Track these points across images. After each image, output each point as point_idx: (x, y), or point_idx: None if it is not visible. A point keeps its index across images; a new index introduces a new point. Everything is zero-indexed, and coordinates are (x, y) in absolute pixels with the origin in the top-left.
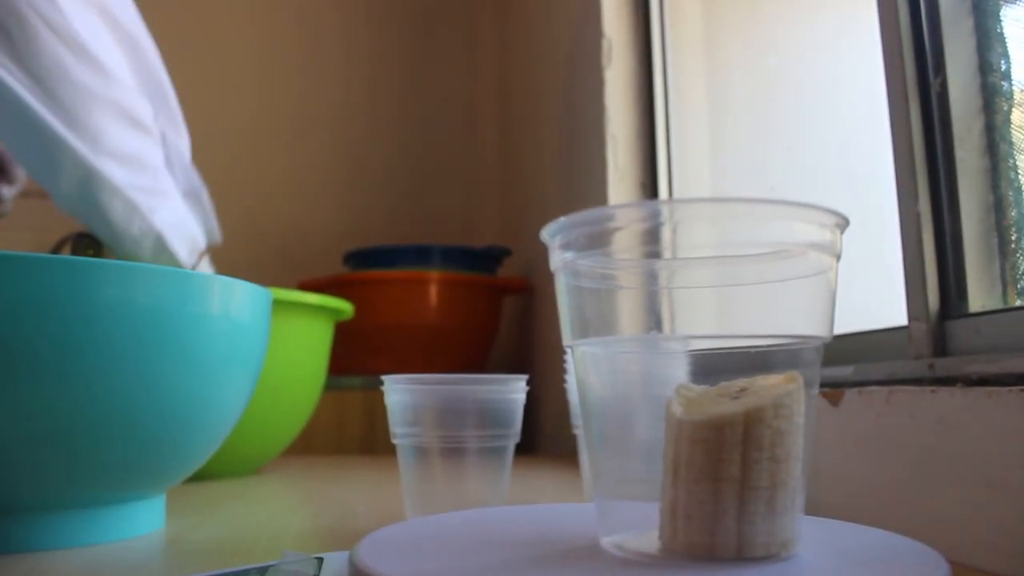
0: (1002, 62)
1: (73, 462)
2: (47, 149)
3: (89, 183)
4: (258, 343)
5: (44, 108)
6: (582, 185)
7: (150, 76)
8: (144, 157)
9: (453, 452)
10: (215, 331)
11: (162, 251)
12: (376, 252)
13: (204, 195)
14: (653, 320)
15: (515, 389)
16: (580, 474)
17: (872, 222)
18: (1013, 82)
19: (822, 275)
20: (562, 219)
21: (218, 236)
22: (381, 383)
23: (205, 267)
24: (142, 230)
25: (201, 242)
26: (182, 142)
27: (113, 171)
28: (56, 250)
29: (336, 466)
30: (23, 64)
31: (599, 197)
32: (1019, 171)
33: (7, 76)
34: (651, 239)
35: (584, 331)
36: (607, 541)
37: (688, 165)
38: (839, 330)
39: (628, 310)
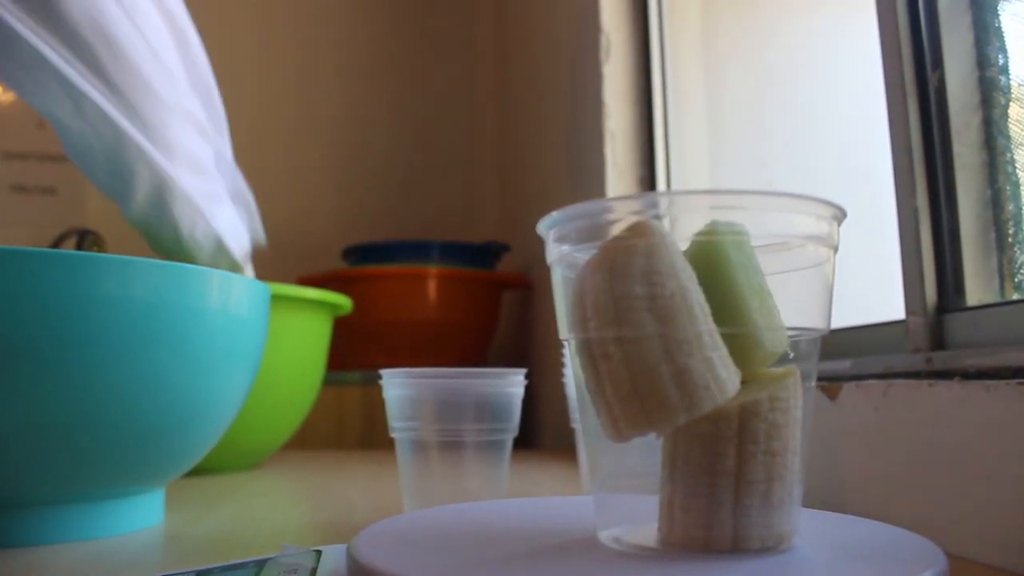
0: (1000, 57)
1: (71, 456)
2: (127, 162)
3: (163, 192)
4: (257, 338)
5: (127, 121)
6: (581, 180)
7: (197, 73)
8: (204, 161)
9: (451, 446)
10: (214, 326)
11: (221, 253)
12: (375, 247)
13: (250, 196)
14: None
15: (513, 383)
16: (578, 468)
17: (870, 216)
18: (1011, 77)
19: (819, 267)
20: (557, 212)
21: (263, 238)
22: (380, 378)
23: (250, 272)
24: (205, 234)
25: (247, 244)
26: (224, 142)
27: (184, 178)
28: (55, 245)
29: (335, 460)
30: (106, 77)
31: (598, 192)
32: (1017, 165)
33: (93, 92)
34: None
35: None
36: (605, 534)
37: (686, 160)
38: (837, 324)
39: None
